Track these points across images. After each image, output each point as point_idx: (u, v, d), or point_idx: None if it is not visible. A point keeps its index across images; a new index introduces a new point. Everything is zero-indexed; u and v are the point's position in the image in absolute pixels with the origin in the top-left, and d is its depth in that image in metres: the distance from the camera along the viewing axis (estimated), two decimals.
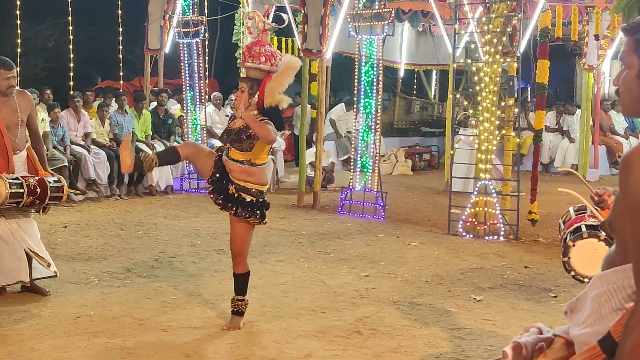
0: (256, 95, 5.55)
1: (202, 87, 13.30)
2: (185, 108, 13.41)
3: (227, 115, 14.31)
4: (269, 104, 5.51)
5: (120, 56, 14.82)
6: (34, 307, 6.13)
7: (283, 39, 17.98)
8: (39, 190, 6.12)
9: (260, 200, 5.60)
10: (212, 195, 5.68)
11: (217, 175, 5.62)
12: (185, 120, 13.41)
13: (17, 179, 6.04)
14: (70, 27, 14.16)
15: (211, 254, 8.25)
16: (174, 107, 14.63)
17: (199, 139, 13.16)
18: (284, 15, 6.24)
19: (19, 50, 13.14)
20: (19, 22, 13.24)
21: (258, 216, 5.59)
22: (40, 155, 6.58)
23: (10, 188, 5.91)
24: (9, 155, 6.18)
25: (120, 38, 14.71)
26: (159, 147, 12.91)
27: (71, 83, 14.19)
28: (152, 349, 5.20)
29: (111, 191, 12.05)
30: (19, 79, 7.12)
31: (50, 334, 5.46)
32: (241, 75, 6.48)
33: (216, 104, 14.52)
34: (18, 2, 13.06)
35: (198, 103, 13.26)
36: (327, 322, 5.93)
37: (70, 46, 14.22)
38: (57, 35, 21.81)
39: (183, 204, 11.70)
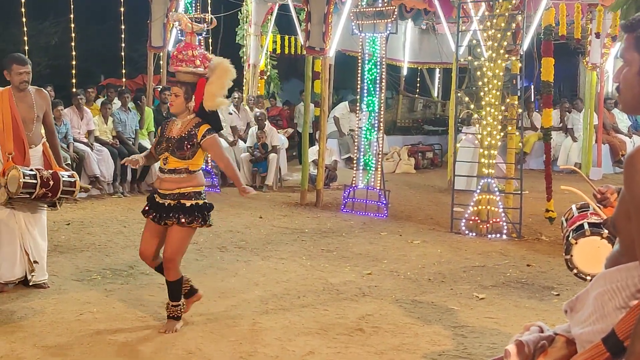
0: (192, 99, 5.48)
1: None
2: None
3: (229, 114, 14.33)
4: (210, 108, 5.49)
5: (123, 54, 14.84)
6: (37, 304, 6.14)
7: (286, 37, 18.00)
8: (51, 182, 6.24)
9: (200, 203, 5.48)
10: (149, 216, 5.55)
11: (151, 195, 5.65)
12: None
13: (31, 170, 6.19)
14: (73, 25, 14.18)
15: (214, 252, 8.26)
16: None
17: None
18: (213, 17, 6.17)
19: (26, 47, 13.15)
20: (24, 19, 13.24)
21: (200, 219, 5.46)
22: (55, 151, 6.74)
23: (24, 178, 6.03)
24: (25, 149, 6.38)
25: (123, 36, 14.73)
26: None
27: (74, 80, 14.21)
28: (154, 346, 5.22)
29: (114, 189, 12.07)
30: None
31: (53, 331, 5.47)
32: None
33: None
34: (23, 0, 13.06)
35: None
36: (329, 319, 5.93)
37: (73, 44, 14.25)
38: (60, 33, 21.80)
39: None
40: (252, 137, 13.88)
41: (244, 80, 16.51)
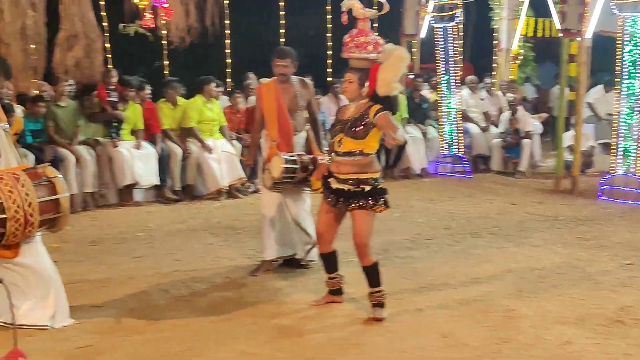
0: (366, 85, 5.49)
1: (456, 71, 13.33)
2: (440, 92, 13.49)
3: (481, 99, 14.23)
4: (384, 94, 5.43)
5: None
6: (299, 282, 6.51)
7: (540, 20, 17.49)
8: (311, 167, 6.56)
9: (379, 186, 5.51)
10: (327, 199, 5.67)
11: (325, 179, 5.71)
12: (440, 104, 13.51)
13: (292, 156, 6.57)
14: (329, 17, 14.71)
15: (467, 237, 8.29)
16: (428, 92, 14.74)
17: (454, 122, 13.20)
18: (384, 1, 5.91)
19: (282, 40, 13.85)
20: (282, 13, 13.95)
21: (381, 202, 5.49)
22: (318, 138, 7.09)
23: (285, 164, 6.41)
24: (290, 136, 6.77)
25: (377, 25, 15.04)
26: (413, 131, 13.12)
27: (329, 70, 14.75)
28: (407, 327, 5.36)
29: None
30: None
31: (327, 313, 5.80)
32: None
33: (471, 87, 14.45)
34: None
35: (453, 87, 13.30)
36: (586, 309, 5.78)
37: (329, 34, 14.79)
38: (317, 25, 22.68)
39: (438, 187, 11.83)
40: (504, 122, 13.69)
41: (495, 64, 16.27)
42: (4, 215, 4.93)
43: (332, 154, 5.64)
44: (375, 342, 5.06)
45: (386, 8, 5.83)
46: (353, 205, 5.48)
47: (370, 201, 5.46)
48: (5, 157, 5.33)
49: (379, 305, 5.58)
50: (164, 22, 11.08)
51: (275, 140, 6.72)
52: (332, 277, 5.92)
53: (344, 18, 5.79)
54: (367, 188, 5.47)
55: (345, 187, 5.51)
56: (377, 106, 5.43)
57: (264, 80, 7.98)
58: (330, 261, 5.91)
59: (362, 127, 5.44)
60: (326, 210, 5.71)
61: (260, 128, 7.00)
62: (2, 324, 5.26)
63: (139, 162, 10.26)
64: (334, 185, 5.59)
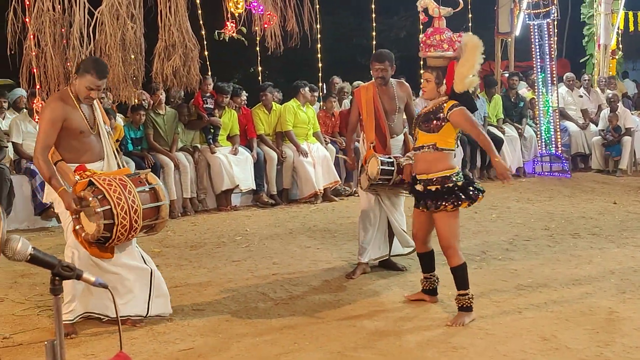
0: (444, 84, 5.47)
1: (553, 68, 13.09)
2: (536, 90, 13.27)
3: (580, 96, 13.93)
4: (460, 90, 5.39)
5: None
6: (383, 283, 6.52)
7: (630, 13, 17.04)
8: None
9: (458, 183, 5.42)
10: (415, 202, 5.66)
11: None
12: (536, 103, 13.28)
13: (389, 157, 6.59)
14: (421, 17, 14.63)
15: (566, 238, 8.14)
16: (524, 90, 14.52)
17: (551, 120, 12.96)
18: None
19: (373, 42, 13.88)
20: (374, 15, 13.97)
21: (462, 198, 5.40)
22: None
23: (382, 165, 6.44)
24: (387, 138, 6.79)
25: (470, 24, 14.90)
26: (510, 130, 12.94)
27: (422, 71, 14.66)
28: (510, 331, 5.28)
29: None
30: None
31: (396, 313, 5.80)
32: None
33: (569, 84, 14.17)
34: None
35: (549, 84, 13.06)
36: None
37: (420, 35, 14.70)
38: (409, 27, 22.63)
39: (535, 187, 11.64)
40: (603, 119, 13.36)
41: (594, 61, 15.90)
42: (112, 221, 5.13)
43: (412, 152, 5.69)
44: (475, 345, 5.02)
45: (461, 5, 5.92)
46: (431, 206, 5.46)
47: (450, 201, 5.40)
48: (107, 161, 5.56)
49: (465, 308, 5.48)
50: (264, 28, 11.24)
51: (372, 142, 6.76)
52: (427, 276, 5.94)
53: (423, 17, 5.86)
54: (445, 187, 5.42)
55: (421, 188, 5.52)
56: (453, 102, 5.44)
57: (360, 83, 8.01)
58: (425, 261, 5.94)
59: (435, 120, 5.44)
60: (418, 211, 5.71)
61: (354, 130, 7.10)
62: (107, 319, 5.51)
63: (236, 167, 10.46)
64: (417, 187, 5.59)
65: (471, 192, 5.45)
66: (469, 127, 5.51)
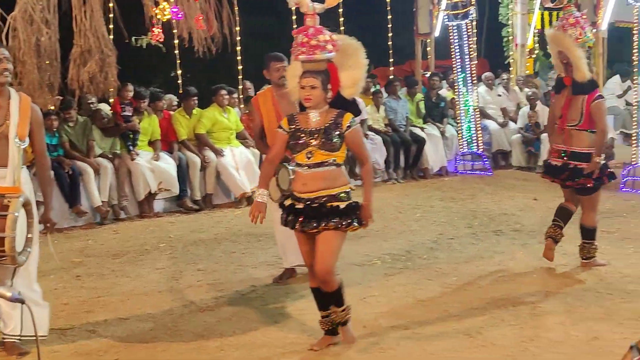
0: (329, 89, 4.86)
1: (472, 68, 13.27)
2: (457, 90, 13.43)
3: (499, 95, 14.16)
4: (352, 95, 4.95)
5: (390, 43, 15.05)
6: None
7: (554, 13, 17.39)
8: None
9: (353, 203, 4.87)
10: (297, 226, 4.88)
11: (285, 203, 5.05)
12: (457, 102, 13.45)
13: None
14: (341, 19, 14.64)
15: (489, 236, 8.24)
16: (445, 90, 14.68)
17: (472, 119, 13.14)
18: None
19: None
20: (294, 17, 13.92)
21: (356, 221, 4.84)
22: None
23: (292, 176, 6.21)
24: None
25: (390, 25, 14.95)
26: (432, 130, 13.07)
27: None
28: (434, 329, 5.31)
29: (388, 175, 12.38)
30: None
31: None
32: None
33: (488, 84, 14.39)
34: None
35: (469, 84, 13.24)
36: (614, 304, 5.72)
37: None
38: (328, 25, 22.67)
39: (458, 186, 11.76)
40: (523, 117, 13.61)
41: (511, 60, 16.18)
42: None
43: (295, 168, 4.97)
44: (402, 346, 5.02)
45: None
46: (323, 225, 4.79)
47: (345, 220, 4.81)
48: (11, 172, 5.14)
49: (345, 323, 5.06)
50: (197, 30, 11.15)
51: None
52: (325, 315, 5.09)
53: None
54: (342, 205, 4.82)
55: (314, 205, 4.82)
56: (350, 115, 4.85)
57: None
58: (322, 296, 5.06)
59: (337, 137, 4.81)
60: (303, 241, 4.99)
61: (261, 136, 6.75)
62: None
63: (157, 173, 10.26)
64: (299, 205, 4.89)
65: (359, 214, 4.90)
66: (362, 149, 5.01)
